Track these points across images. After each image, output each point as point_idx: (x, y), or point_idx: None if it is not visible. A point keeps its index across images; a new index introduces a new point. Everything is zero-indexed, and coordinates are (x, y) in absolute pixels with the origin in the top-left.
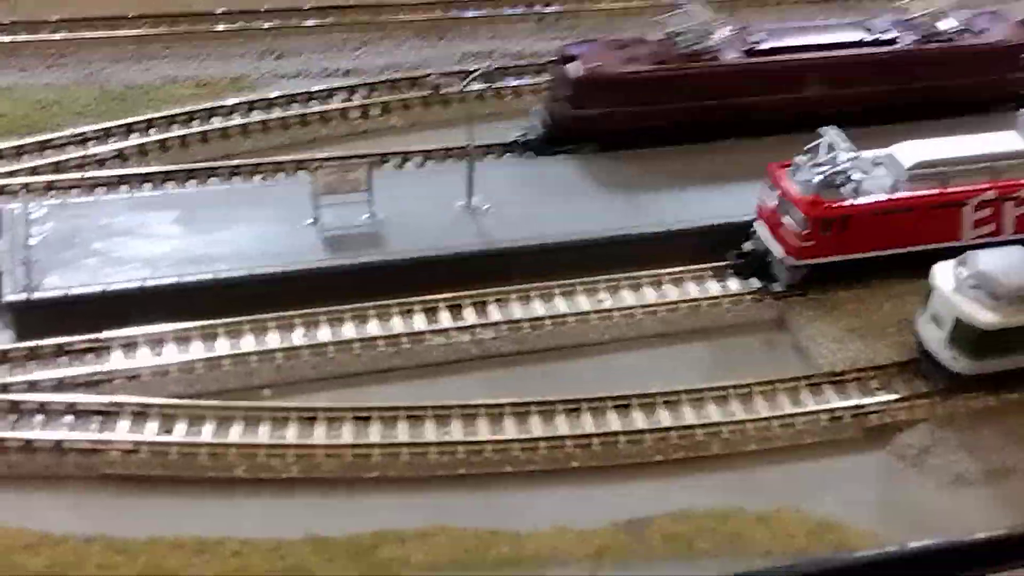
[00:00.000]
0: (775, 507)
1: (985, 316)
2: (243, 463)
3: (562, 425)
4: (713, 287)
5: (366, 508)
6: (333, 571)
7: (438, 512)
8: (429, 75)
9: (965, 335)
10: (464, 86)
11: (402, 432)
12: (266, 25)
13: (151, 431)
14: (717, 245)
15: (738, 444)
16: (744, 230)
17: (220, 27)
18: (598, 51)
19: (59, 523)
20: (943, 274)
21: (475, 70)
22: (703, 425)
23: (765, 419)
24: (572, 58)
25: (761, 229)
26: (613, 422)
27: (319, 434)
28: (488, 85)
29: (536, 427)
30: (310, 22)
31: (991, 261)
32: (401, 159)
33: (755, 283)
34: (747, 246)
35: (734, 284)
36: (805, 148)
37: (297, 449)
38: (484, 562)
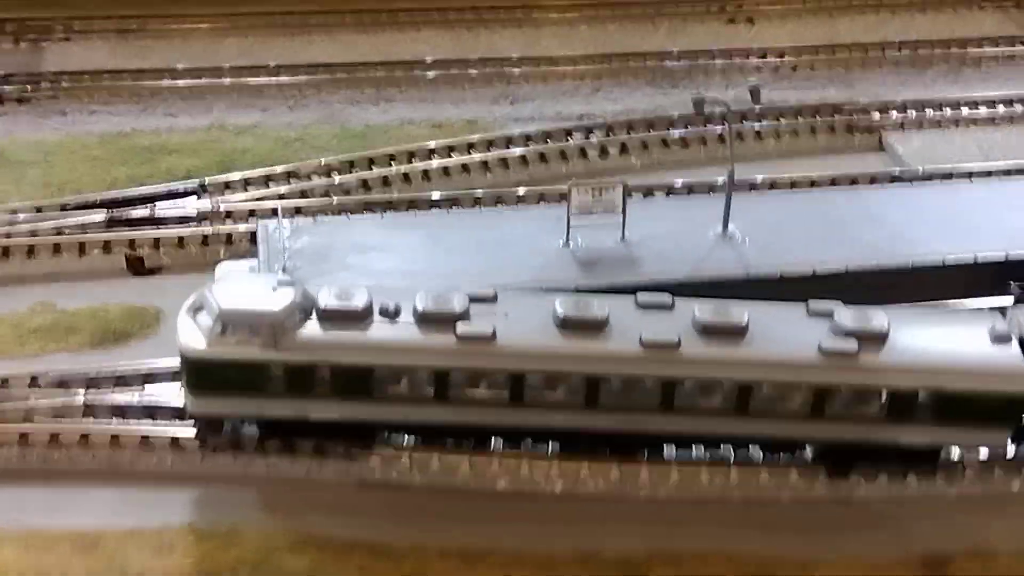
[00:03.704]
0: None
1: (196, 343)
2: (505, 476)
3: None
4: None
5: (635, 527)
6: None
7: (714, 536)
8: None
9: (184, 365)
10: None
11: (669, 451)
12: (497, 72)
13: (411, 439)
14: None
15: None
16: None
17: (454, 71)
18: None
19: (321, 526)
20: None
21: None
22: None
23: None
24: None
25: None
26: None
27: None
28: (755, 104)
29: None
30: (542, 69)
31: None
32: (643, 193)
33: None
34: None
35: None
36: None
37: (561, 463)
38: None
